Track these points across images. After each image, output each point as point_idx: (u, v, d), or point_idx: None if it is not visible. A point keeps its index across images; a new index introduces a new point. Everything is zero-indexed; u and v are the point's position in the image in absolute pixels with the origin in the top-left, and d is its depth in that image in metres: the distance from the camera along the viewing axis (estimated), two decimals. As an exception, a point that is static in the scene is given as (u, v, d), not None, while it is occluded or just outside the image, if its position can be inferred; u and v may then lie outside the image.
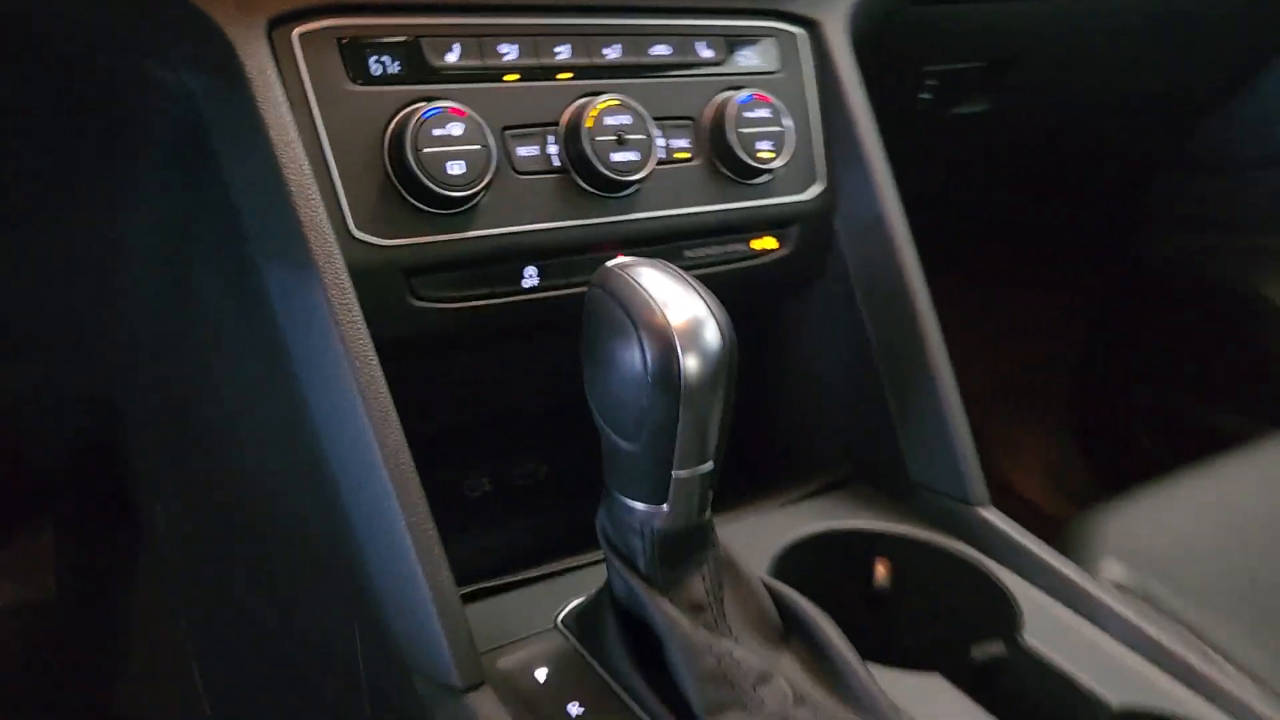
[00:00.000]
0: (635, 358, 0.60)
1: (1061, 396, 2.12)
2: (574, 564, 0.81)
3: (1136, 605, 0.78)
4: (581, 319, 0.65)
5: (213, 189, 0.71)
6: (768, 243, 0.91)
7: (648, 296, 0.61)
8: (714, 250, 0.87)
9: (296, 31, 0.70)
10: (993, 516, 0.86)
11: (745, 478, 0.98)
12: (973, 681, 0.73)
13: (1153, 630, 0.76)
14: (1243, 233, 1.88)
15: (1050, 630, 0.77)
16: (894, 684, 0.68)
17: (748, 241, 0.89)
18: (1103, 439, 2.07)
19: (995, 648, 0.79)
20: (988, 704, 0.71)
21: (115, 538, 1.22)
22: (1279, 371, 1.75)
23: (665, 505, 0.64)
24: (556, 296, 0.80)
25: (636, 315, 0.61)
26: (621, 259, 0.64)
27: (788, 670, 0.68)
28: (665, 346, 0.60)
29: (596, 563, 0.80)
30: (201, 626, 1.09)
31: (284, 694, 0.92)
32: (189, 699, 1.10)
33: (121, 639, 1.25)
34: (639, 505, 0.65)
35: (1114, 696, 0.71)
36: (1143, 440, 1.99)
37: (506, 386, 1.01)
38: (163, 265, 0.83)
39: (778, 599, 0.71)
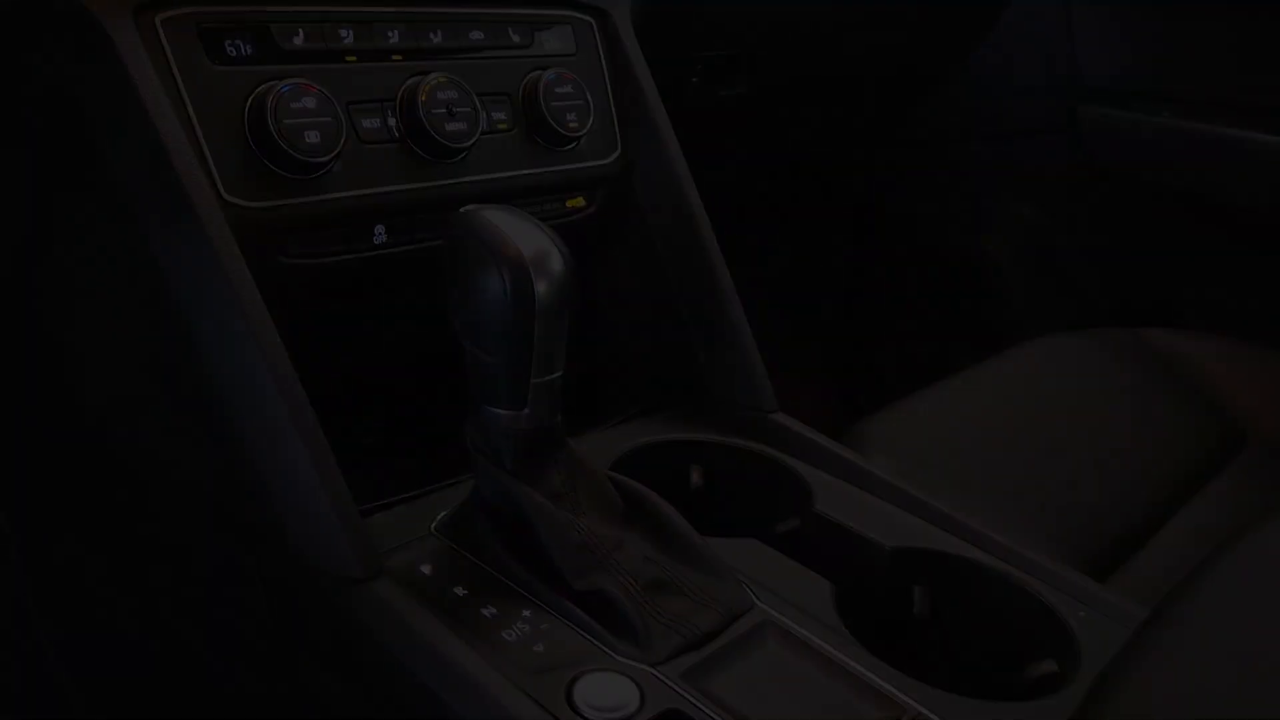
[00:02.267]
0: (496, 283, 0.71)
1: (823, 346, 2.37)
2: (427, 490, 0.91)
3: (900, 479, 0.96)
4: (443, 259, 0.75)
5: (89, 168, 0.76)
6: (578, 202, 1.03)
7: (503, 232, 0.72)
8: (534, 209, 0.99)
9: (159, 18, 0.76)
10: (784, 419, 1.02)
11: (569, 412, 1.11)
12: (779, 548, 0.89)
13: (915, 491, 0.94)
14: (962, 197, 2.17)
15: (835, 500, 0.92)
16: (719, 548, 0.82)
17: (563, 201, 1.02)
18: (858, 382, 2.33)
19: (794, 522, 0.95)
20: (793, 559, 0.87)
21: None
22: (999, 312, 2.05)
23: (526, 409, 0.76)
24: (403, 251, 0.90)
25: (495, 248, 0.71)
26: (474, 205, 0.76)
27: (636, 541, 0.81)
28: (521, 271, 0.71)
29: (446, 486, 0.91)
30: (57, 608, 1.11)
31: (173, 632, 0.97)
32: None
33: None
34: (504, 412, 0.76)
35: (888, 541, 0.88)
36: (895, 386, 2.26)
37: (341, 358, 1.09)
38: (12, 249, 0.87)
39: (620, 488, 0.83)
